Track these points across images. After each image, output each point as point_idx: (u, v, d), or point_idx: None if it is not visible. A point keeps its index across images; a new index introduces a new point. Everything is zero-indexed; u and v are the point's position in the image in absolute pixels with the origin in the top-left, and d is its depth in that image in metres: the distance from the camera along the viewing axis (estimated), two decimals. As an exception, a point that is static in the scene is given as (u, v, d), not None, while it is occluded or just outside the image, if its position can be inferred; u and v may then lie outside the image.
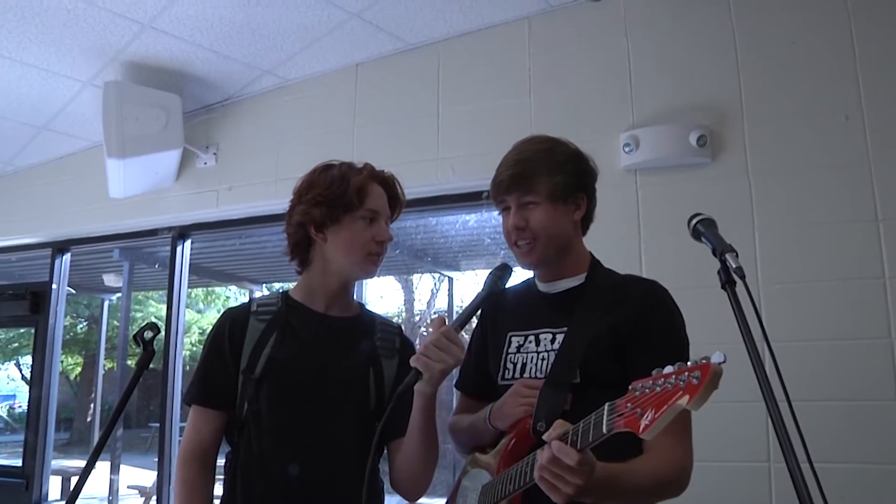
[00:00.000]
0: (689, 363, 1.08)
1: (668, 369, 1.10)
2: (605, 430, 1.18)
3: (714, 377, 1.03)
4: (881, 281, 2.53)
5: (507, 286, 1.71)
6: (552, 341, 1.63)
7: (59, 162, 4.72)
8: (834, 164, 2.66)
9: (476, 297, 1.68)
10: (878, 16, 2.69)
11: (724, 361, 1.04)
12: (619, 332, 1.56)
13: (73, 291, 6.74)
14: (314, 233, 1.76)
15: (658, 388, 1.10)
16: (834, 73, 2.71)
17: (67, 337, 15.34)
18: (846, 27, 2.71)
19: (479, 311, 1.74)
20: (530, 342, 1.68)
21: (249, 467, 1.67)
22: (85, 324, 16.73)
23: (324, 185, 1.75)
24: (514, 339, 1.72)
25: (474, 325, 1.90)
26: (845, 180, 2.63)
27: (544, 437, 1.30)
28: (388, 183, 1.83)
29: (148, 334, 1.70)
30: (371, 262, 1.77)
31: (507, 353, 1.71)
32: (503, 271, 1.68)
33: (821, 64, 2.74)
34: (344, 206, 1.73)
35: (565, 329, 1.62)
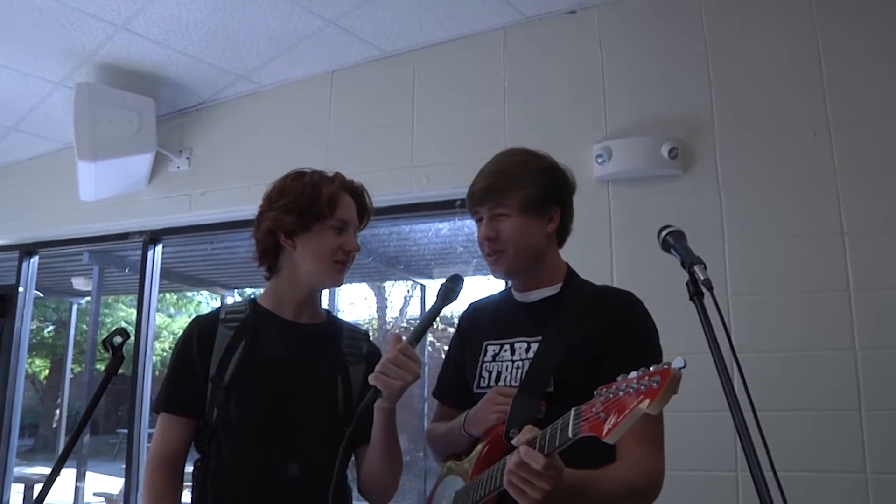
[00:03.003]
0: (651, 368, 1.10)
1: (632, 374, 1.12)
2: (570, 435, 1.19)
3: (673, 381, 1.05)
4: (846, 293, 2.58)
5: (458, 297, 1.70)
6: (527, 350, 1.65)
7: (28, 163, 4.66)
8: (802, 178, 2.71)
9: (429, 310, 1.69)
10: (845, 36, 2.75)
11: (683, 367, 1.06)
12: (593, 342, 1.58)
13: (41, 295, 6.64)
14: (284, 240, 1.76)
15: (621, 393, 1.11)
16: (803, 89, 2.76)
17: (34, 341, 15.08)
18: (814, 46, 2.77)
19: (435, 321, 1.74)
20: (506, 351, 1.70)
21: (219, 474, 1.67)
22: (52, 328, 16.47)
23: (295, 192, 1.76)
24: (489, 347, 1.73)
25: (450, 332, 1.91)
26: (812, 194, 2.68)
27: (513, 441, 1.31)
28: (357, 193, 1.85)
29: (117, 339, 1.68)
30: (338, 271, 1.78)
31: (483, 362, 1.73)
32: (455, 283, 1.69)
33: (790, 80, 2.79)
34: (315, 215, 1.74)
35: (540, 338, 1.63)
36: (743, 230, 2.75)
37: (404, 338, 1.58)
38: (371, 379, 1.53)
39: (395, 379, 1.52)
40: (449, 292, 1.68)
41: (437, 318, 1.74)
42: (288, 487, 1.64)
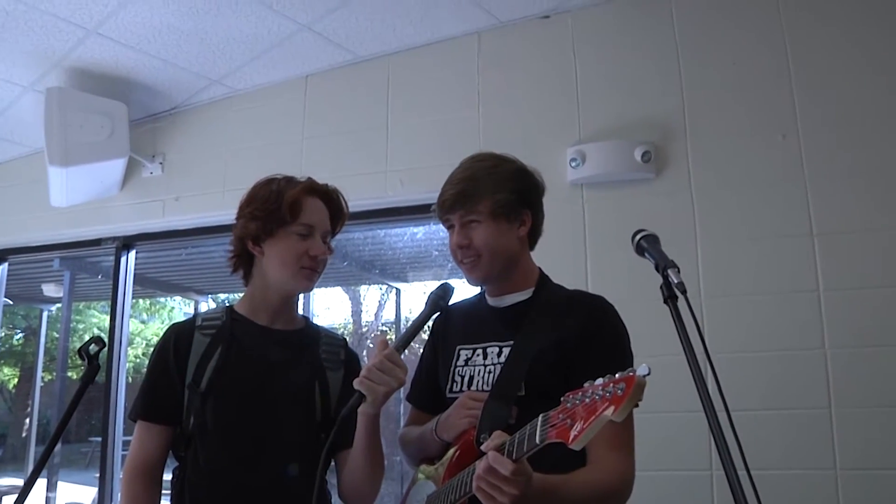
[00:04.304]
0: (617, 375, 1.11)
1: (599, 381, 1.13)
2: (537, 441, 1.19)
3: (637, 389, 1.06)
4: (815, 294, 2.62)
5: (449, 304, 1.73)
6: (499, 354, 1.65)
7: (-3, 169, 4.59)
8: (772, 180, 2.75)
9: (418, 317, 1.70)
10: (812, 40, 2.81)
11: (648, 374, 1.07)
12: (564, 346, 1.59)
13: (10, 302, 6.53)
14: (251, 247, 1.77)
15: (587, 400, 1.12)
16: (772, 93, 2.81)
17: (2, 349, 14.83)
18: (783, 51, 2.82)
19: (423, 329, 1.75)
20: (478, 355, 1.70)
21: (197, 481, 1.66)
22: (22, 335, 16.17)
23: (261, 199, 1.76)
24: (462, 352, 1.73)
25: (425, 337, 1.91)
26: (782, 196, 2.73)
27: (482, 447, 1.32)
28: (329, 196, 1.83)
29: (93, 348, 1.66)
30: (305, 277, 1.76)
31: (456, 366, 1.73)
32: (444, 291, 1.71)
33: (760, 85, 2.84)
34: (277, 221, 1.73)
35: (512, 343, 1.64)
36: (715, 232, 2.78)
37: (391, 343, 1.58)
38: (356, 384, 1.52)
39: (380, 385, 1.51)
40: (438, 300, 1.69)
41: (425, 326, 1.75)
42: (266, 494, 1.64)
